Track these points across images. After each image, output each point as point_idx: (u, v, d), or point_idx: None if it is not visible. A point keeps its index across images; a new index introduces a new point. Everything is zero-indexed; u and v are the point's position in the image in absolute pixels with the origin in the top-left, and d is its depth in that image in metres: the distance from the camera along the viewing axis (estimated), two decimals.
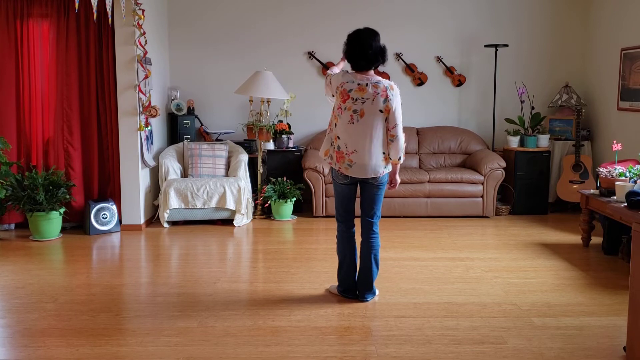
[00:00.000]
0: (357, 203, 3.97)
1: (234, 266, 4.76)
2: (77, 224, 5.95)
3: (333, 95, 3.82)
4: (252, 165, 6.65)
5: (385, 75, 6.96)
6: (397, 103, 3.70)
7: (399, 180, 3.95)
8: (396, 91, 3.73)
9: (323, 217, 6.42)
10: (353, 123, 3.69)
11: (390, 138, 3.74)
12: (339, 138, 3.76)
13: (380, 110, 3.68)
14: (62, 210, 5.56)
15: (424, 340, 3.32)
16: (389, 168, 3.84)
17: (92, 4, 5.10)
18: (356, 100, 3.67)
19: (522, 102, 6.82)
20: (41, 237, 5.51)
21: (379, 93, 3.66)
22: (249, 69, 6.83)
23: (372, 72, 3.75)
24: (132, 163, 5.81)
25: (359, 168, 3.74)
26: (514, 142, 6.70)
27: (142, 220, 5.91)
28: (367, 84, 3.67)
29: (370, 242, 3.90)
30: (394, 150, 3.75)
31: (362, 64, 3.71)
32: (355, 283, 3.97)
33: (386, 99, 3.67)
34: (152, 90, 6.06)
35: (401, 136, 3.74)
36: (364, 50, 3.67)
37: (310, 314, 3.71)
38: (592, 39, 6.94)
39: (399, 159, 3.77)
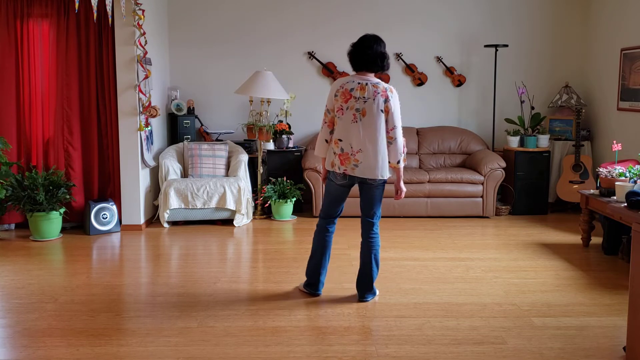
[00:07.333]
0: (356, 204, 3.97)
1: (234, 266, 4.76)
2: (77, 224, 5.95)
3: (329, 111, 3.82)
4: (252, 165, 6.65)
5: (386, 76, 6.96)
6: (396, 105, 3.76)
7: (404, 189, 3.90)
8: (395, 94, 3.79)
9: None
10: (356, 122, 3.70)
11: (388, 140, 3.75)
12: (340, 140, 3.74)
13: (382, 110, 3.70)
14: (62, 210, 5.56)
15: (424, 340, 3.32)
16: (392, 173, 3.86)
17: (92, 4, 5.10)
18: (358, 99, 3.69)
19: (522, 102, 6.82)
20: (41, 237, 5.51)
21: (379, 93, 3.70)
22: (249, 69, 6.84)
23: (372, 74, 3.78)
24: (132, 163, 5.81)
25: (366, 168, 3.73)
26: (514, 142, 6.70)
27: (142, 221, 5.92)
28: (367, 83, 3.71)
29: (371, 242, 3.89)
30: (393, 152, 3.76)
31: (361, 64, 3.75)
32: (320, 280, 3.99)
33: (386, 99, 3.71)
34: (152, 90, 6.06)
35: (400, 140, 3.76)
36: (364, 50, 3.73)
37: (310, 314, 3.71)
38: (592, 39, 6.95)
39: (398, 162, 3.77)
